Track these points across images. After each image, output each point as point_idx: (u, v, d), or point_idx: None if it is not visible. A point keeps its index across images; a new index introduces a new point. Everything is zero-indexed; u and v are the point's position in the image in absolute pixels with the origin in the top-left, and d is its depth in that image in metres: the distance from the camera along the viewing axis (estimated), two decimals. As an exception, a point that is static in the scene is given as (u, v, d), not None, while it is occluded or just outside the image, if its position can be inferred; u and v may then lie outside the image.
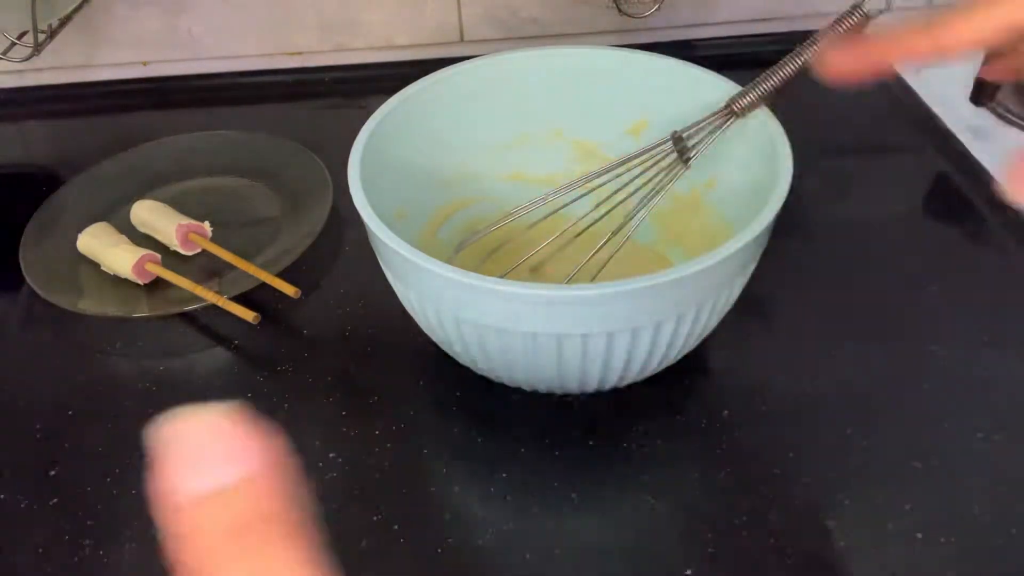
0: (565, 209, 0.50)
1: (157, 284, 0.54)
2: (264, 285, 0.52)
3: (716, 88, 0.46)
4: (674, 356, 0.42)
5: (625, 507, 0.41)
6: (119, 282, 0.54)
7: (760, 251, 0.41)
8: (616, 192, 0.48)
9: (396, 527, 0.41)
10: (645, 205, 0.46)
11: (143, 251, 0.53)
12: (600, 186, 0.48)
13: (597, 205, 0.49)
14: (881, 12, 0.39)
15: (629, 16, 0.62)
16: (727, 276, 0.38)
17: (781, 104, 0.44)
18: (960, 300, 0.50)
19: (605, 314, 0.37)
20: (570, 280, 0.47)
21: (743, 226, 0.38)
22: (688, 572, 0.38)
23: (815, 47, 0.42)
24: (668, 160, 0.47)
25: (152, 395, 0.48)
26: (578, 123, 0.52)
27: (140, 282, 0.53)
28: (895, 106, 0.67)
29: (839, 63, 0.33)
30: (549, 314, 0.37)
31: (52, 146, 0.72)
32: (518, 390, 0.45)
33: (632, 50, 0.50)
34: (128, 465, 0.44)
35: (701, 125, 0.45)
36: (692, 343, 0.42)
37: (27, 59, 0.63)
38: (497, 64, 0.50)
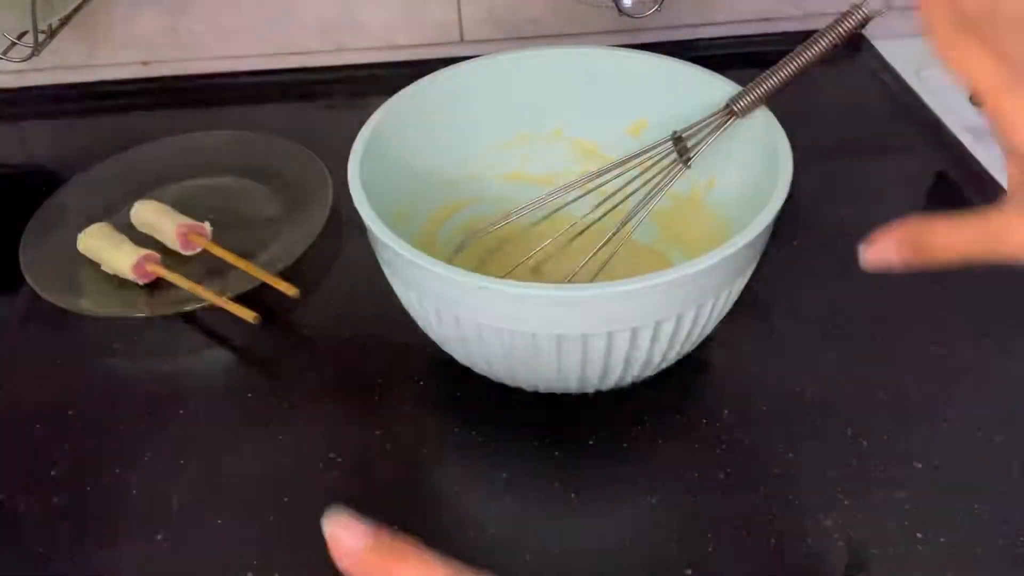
0: (565, 209, 0.50)
1: (157, 284, 0.54)
2: (264, 285, 0.52)
3: (716, 88, 0.46)
4: (674, 356, 0.42)
5: (625, 507, 0.41)
6: (119, 282, 0.54)
7: (760, 251, 0.41)
8: (616, 192, 0.48)
9: (396, 527, 0.40)
10: (645, 205, 0.46)
11: (143, 251, 0.53)
12: (600, 186, 0.48)
13: (597, 205, 0.49)
14: (881, 13, 0.39)
15: (629, 16, 0.62)
16: (727, 276, 0.38)
17: (781, 104, 0.44)
18: (960, 300, 0.50)
19: (605, 314, 0.37)
20: (570, 280, 0.47)
21: (743, 226, 0.38)
22: (688, 572, 0.38)
23: (815, 47, 0.42)
24: (668, 160, 0.47)
25: (152, 395, 0.48)
26: (578, 123, 0.52)
27: (140, 282, 0.53)
28: (895, 106, 0.67)
29: (884, 253, 0.29)
30: (549, 314, 0.37)
31: (52, 146, 0.72)
32: (518, 390, 0.45)
33: (632, 50, 0.50)
34: (128, 465, 0.44)
35: (701, 125, 0.45)
36: (692, 343, 0.42)
37: (27, 59, 0.63)
38: (497, 64, 0.50)
